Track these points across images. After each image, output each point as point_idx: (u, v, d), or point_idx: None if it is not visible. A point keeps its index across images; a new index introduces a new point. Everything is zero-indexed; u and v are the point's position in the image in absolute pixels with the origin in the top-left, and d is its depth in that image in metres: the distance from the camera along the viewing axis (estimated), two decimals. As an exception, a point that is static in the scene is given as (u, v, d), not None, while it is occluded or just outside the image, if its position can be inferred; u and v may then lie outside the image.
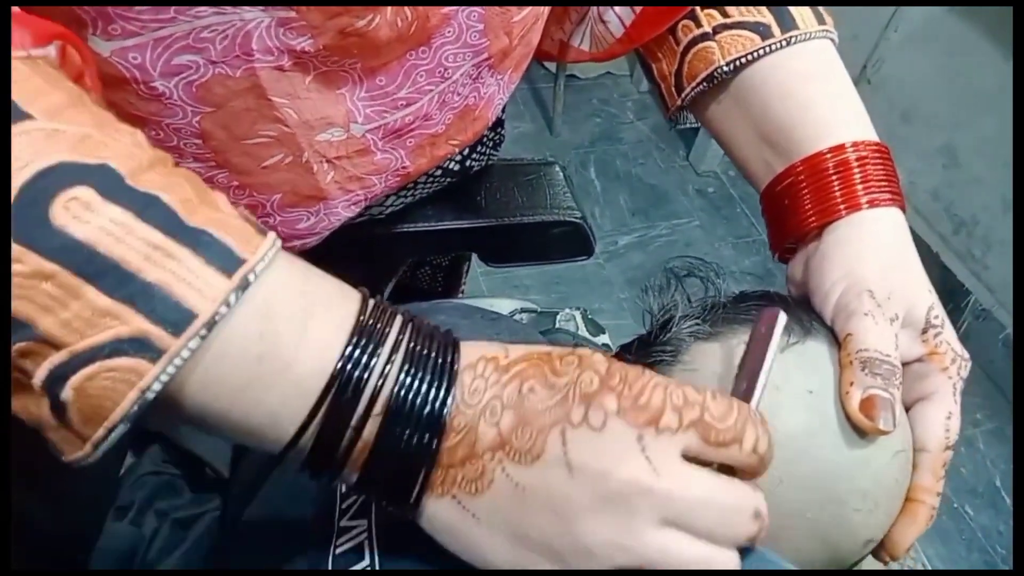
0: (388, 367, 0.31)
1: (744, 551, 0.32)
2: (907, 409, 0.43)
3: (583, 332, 0.75)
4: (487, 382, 0.32)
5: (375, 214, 0.58)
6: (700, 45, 0.50)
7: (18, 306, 0.26)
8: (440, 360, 0.32)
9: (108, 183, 0.27)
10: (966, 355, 0.44)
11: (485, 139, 0.61)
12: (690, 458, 0.31)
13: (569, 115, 2.20)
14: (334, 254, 0.54)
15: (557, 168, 0.71)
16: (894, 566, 0.45)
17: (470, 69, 0.48)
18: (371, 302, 0.32)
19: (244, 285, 0.28)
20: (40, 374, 0.27)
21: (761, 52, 0.49)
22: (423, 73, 0.45)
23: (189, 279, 0.28)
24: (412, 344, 0.31)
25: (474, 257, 0.82)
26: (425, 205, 0.62)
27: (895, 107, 1.82)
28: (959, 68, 1.67)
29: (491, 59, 0.48)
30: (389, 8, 0.38)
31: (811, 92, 0.49)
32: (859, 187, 0.45)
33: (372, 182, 0.50)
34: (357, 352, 0.30)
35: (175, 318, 0.27)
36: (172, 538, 0.54)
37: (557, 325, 0.75)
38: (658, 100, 0.57)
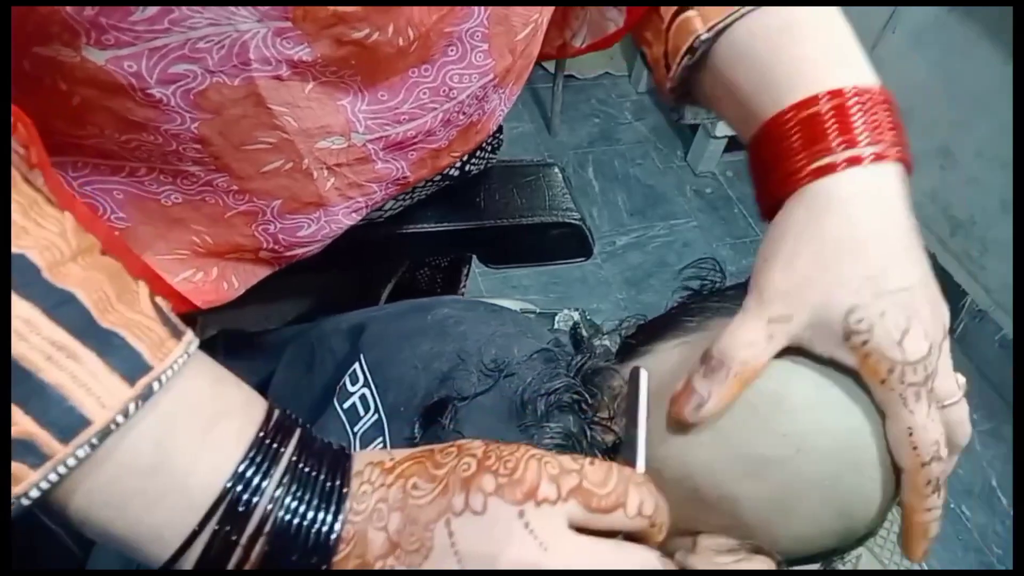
0: (278, 490, 0.30)
1: None
2: None
3: (582, 333, 0.75)
4: (373, 486, 0.32)
5: (374, 218, 0.58)
6: (682, 16, 0.47)
7: None
8: (329, 483, 0.31)
9: (22, 276, 0.27)
10: (914, 354, 0.37)
11: (484, 144, 0.61)
12: (580, 529, 0.31)
13: (567, 115, 2.20)
14: (333, 256, 0.54)
15: (556, 170, 0.71)
16: (892, 567, 0.46)
17: (477, 90, 0.47)
18: (275, 415, 0.32)
19: (147, 394, 0.28)
20: None
21: (743, 12, 0.44)
22: (426, 91, 0.45)
23: (89, 383, 0.27)
24: (303, 465, 0.31)
25: (473, 258, 0.82)
26: (424, 207, 0.62)
27: (893, 108, 1.83)
28: (957, 70, 1.67)
29: (496, 78, 0.48)
30: (390, 27, 0.38)
31: (777, 45, 0.43)
32: (801, 157, 0.39)
33: (372, 189, 0.50)
34: (250, 471, 0.30)
35: (66, 423, 0.26)
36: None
37: (556, 326, 0.75)
38: (657, 88, 0.53)
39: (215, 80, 0.37)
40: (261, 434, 0.31)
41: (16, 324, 0.26)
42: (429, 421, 0.46)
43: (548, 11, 0.49)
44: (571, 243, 0.69)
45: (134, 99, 0.37)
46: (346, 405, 0.50)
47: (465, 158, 0.59)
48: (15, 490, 0.26)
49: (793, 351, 0.40)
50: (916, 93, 1.77)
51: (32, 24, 0.33)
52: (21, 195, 0.29)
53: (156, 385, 0.28)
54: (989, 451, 1.59)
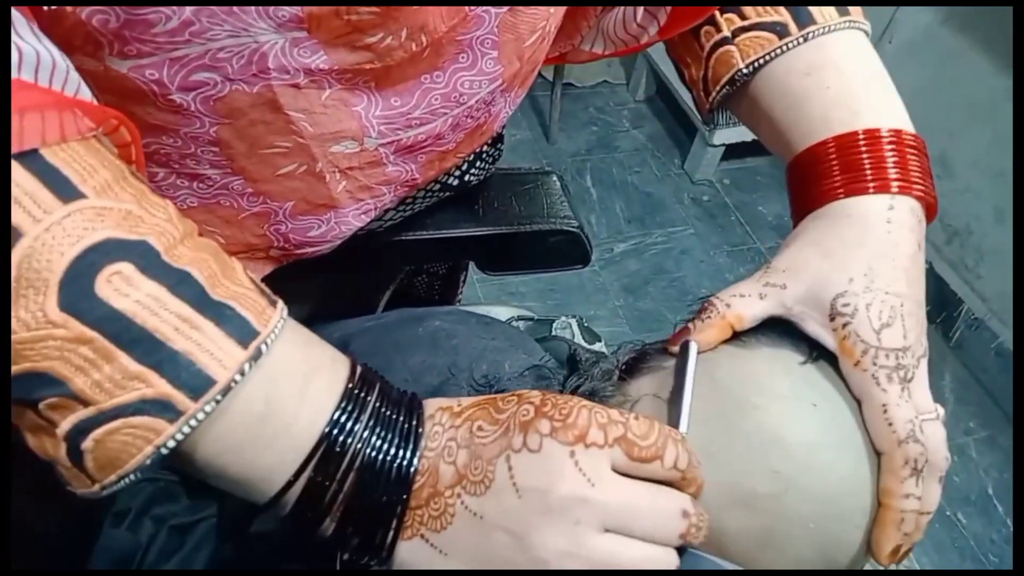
0: (365, 432, 0.35)
1: (682, 551, 0.36)
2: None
3: (579, 340, 0.75)
4: (444, 427, 0.37)
5: (374, 227, 0.59)
6: (721, 49, 0.51)
7: (55, 366, 0.29)
8: (407, 424, 0.36)
9: (147, 259, 0.31)
10: (890, 344, 0.40)
11: (485, 155, 0.62)
12: (621, 474, 0.35)
13: (566, 123, 2.21)
14: (332, 262, 0.55)
15: (554, 177, 0.72)
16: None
17: (485, 96, 0.48)
18: (359, 370, 0.36)
19: (257, 355, 0.32)
20: (65, 425, 0.30)
21: (778, 51, 0.48)
22: (438, 96, 0.46)
23: (211, 349, 0.31)
24: (385, 410, 0.36)
25: (471, 264, 0.82)
26: (423, 214, 0.62)
27: (889, 117, 1.83)
28: (953, 79, 1.68)
29: (504, 84, 0.49)
30: (403, 32, 0.39)
31: (806, 88, 0.48)
32: (837, 179, 0.45)
33: (382, 191, 0.51)
34: (344, 417, 0.34)
35: (195, 384, 0.30)
36: (169, 544, 0.54)
37: (553, 332, 0.75)
38: (694, 104, 0.58)
39: (234, 88, 0.39)
40: (350, 385, 0.35)
41: (147, 301, 0.30)
42: None
43: (556, 19, 0.49)
44: (569, 250, 0.69)
45: (155, 104, 0.38)
46: None
47: (465, 167, 0.59)
48: (156, 441, 0.30)
49: (800, 381, 0.41)
50: (911, 103, 1.77)
51: (56, 36, 0.33)
52: (131, 187, 0.32)
53: (263, 347, 0.32)
54: (985, 459, 1.59)
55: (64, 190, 0.29)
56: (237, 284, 0.33)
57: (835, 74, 0.47)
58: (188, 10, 0.34)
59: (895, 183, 0.44)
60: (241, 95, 0.39)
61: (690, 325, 0.44)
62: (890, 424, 0.40)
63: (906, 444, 0.40)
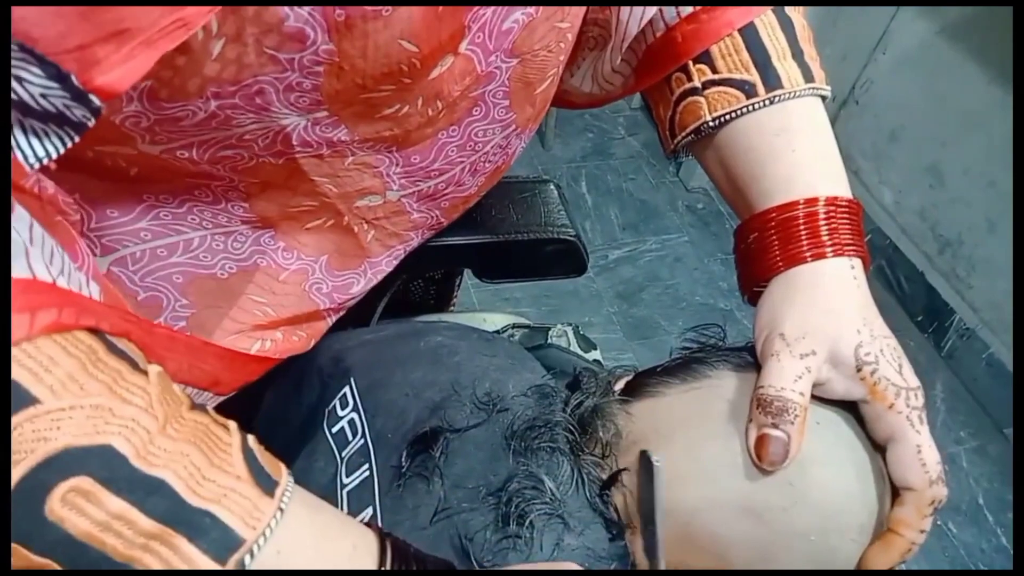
0: None
1: None
2: (883, 452, 0.43)
3: (575, 348, 0.76)
4: None
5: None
6: (690, 99, 0.52)
7: None
8: None
9: (111, 469, 0.27)
10: (913, 383, 0.43)
11: None
12: None
13: (561, 130, 2.22)
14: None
15: (552, 186, 0.72)
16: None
17: (500, 140, 0.50)
18: (388, 555, 0.32)
19: (239, 571, 0.28)
20: None
21: (745, 110, 0.50)
22: (454, 148, 0.47)
23: (182, 570, 0.28)
24: None
25: (466, 270, 0.82)
26: (422, 221, 0.63)
27: (883, 127, 1.85)
28: (946, 90, 1.70)
29: (518, 128, 0.50)
30: (419, 100, 0.40)
31: (774, 147, 0.50)
32: (804, 242, 0.46)
33: (410, 236, 0.53)
34: None
35: None
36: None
37: (549, 341, 0.75)
38: (659, 139, 0.59)
39: (261, 161, 0.40)
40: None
41: (108, 521, 0.27)
42: (418, 450, 0.46)
43: (564, 63, 0.51)
44: (566, 259, 0.70)
45: (187, 171, 0.40)
46: (335, 429, 0.51)
47: None
48: None
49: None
50: (905, 113, 1.79)
51: (88, 137, 0.34)
52: (104, 370, 0.28)
53: (248, 558, 0.29)
54: (976, 468, 1.60)
55: (12, 397, 0.26)
56: (227, 473, 0.30)
57: (799, 139, 0.50)
58: (213, 105, 0.34)
59: (851, 247, 0.47)
60: (267, 166, 0.40)
61: (771, 432, 0.41)
62: (923, 464, 0.41)
63: (936, 485, 0.42)
